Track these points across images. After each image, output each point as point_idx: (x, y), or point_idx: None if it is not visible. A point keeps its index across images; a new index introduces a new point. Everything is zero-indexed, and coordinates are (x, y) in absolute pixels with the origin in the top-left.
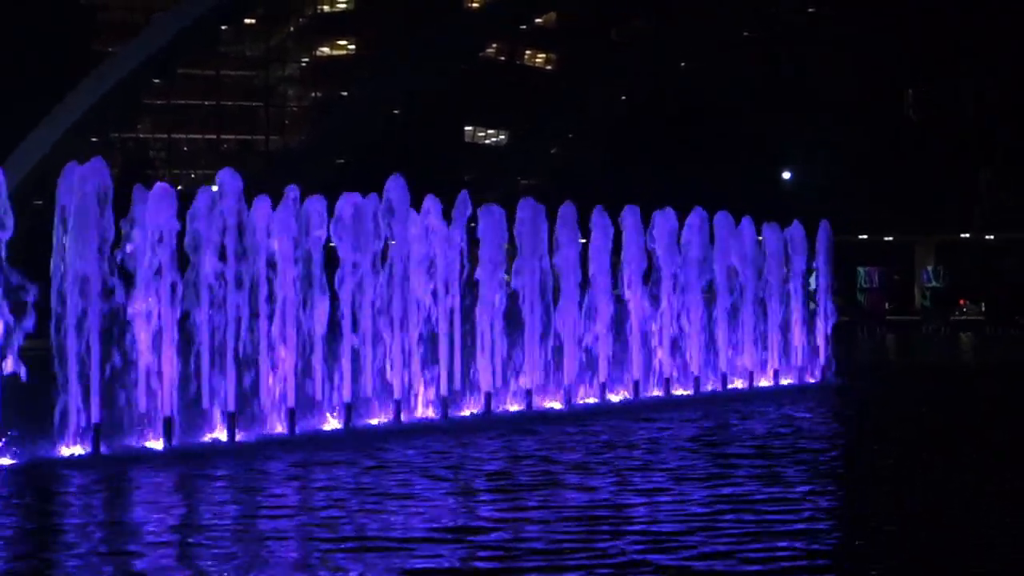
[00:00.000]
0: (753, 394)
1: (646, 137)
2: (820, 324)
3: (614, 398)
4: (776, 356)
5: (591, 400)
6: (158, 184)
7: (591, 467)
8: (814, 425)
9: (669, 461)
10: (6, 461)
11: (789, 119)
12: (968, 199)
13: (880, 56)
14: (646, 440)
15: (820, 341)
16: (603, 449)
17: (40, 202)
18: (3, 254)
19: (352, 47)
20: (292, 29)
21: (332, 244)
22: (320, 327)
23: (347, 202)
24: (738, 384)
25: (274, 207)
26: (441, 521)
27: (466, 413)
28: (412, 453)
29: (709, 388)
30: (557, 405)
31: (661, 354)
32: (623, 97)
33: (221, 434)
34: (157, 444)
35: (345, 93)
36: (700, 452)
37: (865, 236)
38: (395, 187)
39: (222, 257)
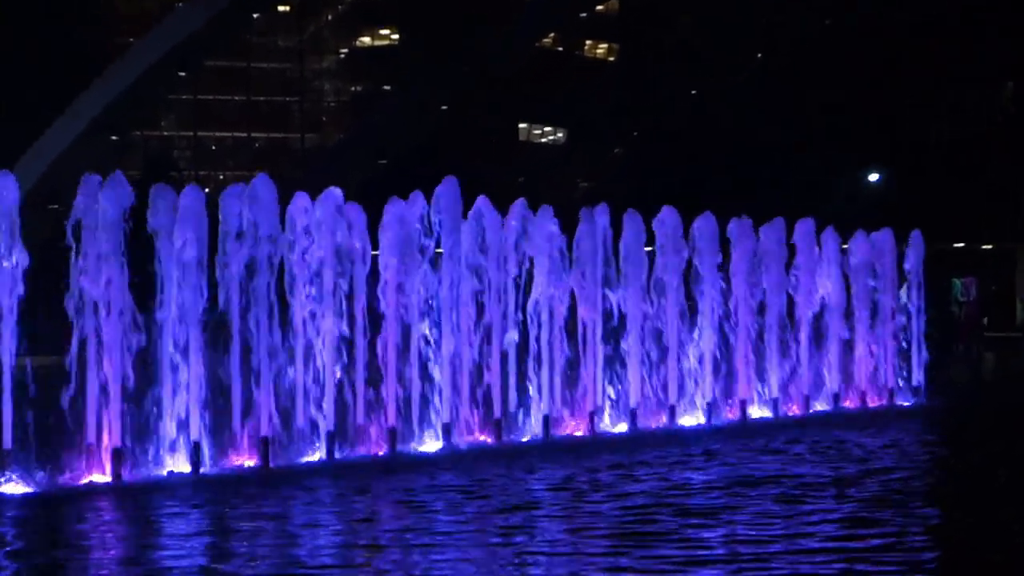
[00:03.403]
0: (843, 417)
1: (712, 136)
2: (913, 341)
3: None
4: (864, 376)
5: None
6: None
7: None
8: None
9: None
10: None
11: (872, 114)
12: None
13: (973, 45)
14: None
15: (913, 359)
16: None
17: (56, 206)
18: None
19: (395, 37)
20: (330, 17)
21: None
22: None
23: None
24: (820, 406)
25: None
26: None
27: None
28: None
29: (791, 412)
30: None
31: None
32: (692, 92)
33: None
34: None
35: (388, 87)
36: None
37: (961, 244)
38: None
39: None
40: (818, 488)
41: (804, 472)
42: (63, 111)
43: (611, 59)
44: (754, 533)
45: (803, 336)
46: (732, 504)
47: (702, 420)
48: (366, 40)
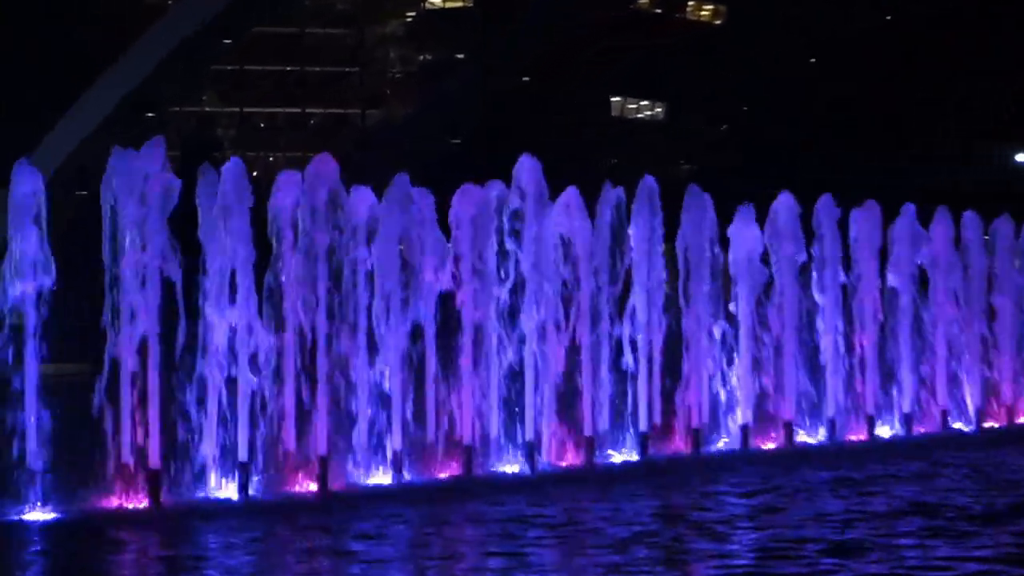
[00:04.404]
0: (984, 437)
1: (836, 108)
2: None
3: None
4: (1012, 389)
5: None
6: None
7: None
8: None
9: None
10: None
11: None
12: None
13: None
14: None
15: None
16: None
17: (84, 192)
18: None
19: None
20: None
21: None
22: None
23: None
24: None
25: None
26: None
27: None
28: None
29: (922, 430)
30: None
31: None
32: (811, 60)
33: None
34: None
35: (460, 56)
36: None
37: None
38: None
39: None
40: (971, 520)
41: (954, 502)
42: (68, 106)
43: (718, 22)
44: (901, 573)
45: (940, 342)
46: (877, 541)
47: (823, 438)
48: (436, 1)
